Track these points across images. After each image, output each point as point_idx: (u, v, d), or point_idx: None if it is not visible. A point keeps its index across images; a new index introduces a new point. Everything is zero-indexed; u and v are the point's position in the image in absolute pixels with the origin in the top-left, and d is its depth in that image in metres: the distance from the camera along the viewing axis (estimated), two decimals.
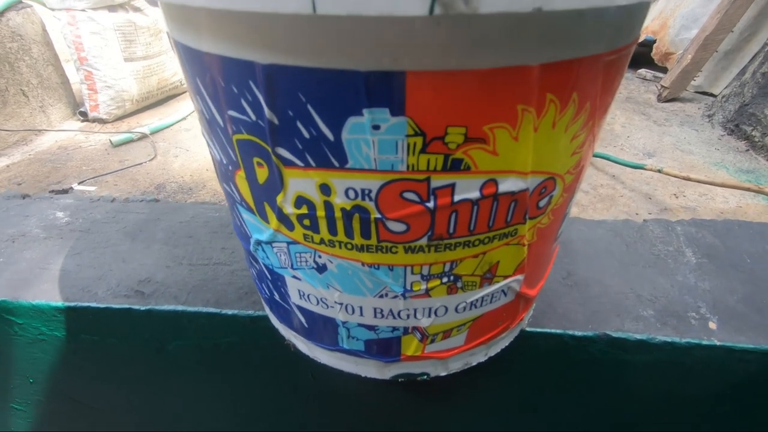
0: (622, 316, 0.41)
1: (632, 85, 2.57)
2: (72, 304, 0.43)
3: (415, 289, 0.28)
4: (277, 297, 0.34)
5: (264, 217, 0.28)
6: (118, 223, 0.55)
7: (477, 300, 0.30)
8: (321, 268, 0.28)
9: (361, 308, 0.30)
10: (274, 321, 0.39)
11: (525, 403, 0.49)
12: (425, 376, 0.35)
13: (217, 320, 0.43)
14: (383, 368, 0.34)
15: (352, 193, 0.23)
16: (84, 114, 2.33)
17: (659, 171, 1.52)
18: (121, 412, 0.56)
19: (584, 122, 0.23)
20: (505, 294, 0.31)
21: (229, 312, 0.42)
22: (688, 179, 1.27)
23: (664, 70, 2.42)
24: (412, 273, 0.27)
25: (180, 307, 0.43)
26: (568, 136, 0.23)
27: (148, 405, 0.54)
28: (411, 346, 0.32)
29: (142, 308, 0.43)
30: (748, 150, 1.81)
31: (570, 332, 0.39)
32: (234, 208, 0.31)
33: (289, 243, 0.28)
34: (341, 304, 0.30)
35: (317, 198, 0.24)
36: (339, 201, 0.24)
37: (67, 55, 2.11)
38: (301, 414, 0.54)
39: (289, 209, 0.26)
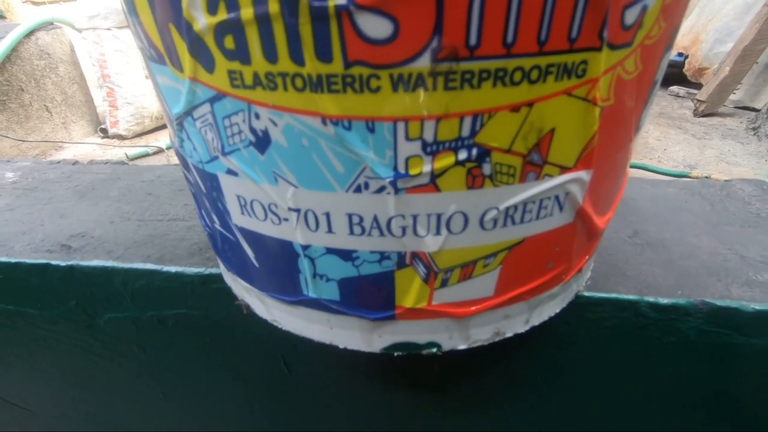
0: (726, 281, 0.28)
1: (664, 101, 2.44)
2: None
3: (412, 172, 0.17)
4: (217, 223, 0.23)
5: (174, 59, 0.18)
6: (71, 183, 0.46)
7: (516, 206, 0.19)
8: (262, 142, 0.18)
9: (328, 216, 0.19)
10: (225, 273, 0.28)
11: (575, 405, 0.35)
12: (434, 349, 0.23)
13: (157, 281, 0.32)
14: (370, 332, 0.23)
15: None
16: (104, 131, 2.35)
17: (707, 178, 1.37)
18: (49, 414, 0.44)
19: None
20: (561, 205, 0.20)
21: (172, 269, 0.31)
22: None
23: (698, 86, 2.29)
24: (407, 138, 0.16)
25: (109, 263, 0.32)
26: None
27: (79, 404, 0.42)
28: (411, 289, 0.21)
29: (63, 264, 0.32)
30: None
31: (650, 299, 0.27)
32: (153, 77, 0.21)
33: (213, 101, 0.18)
34: (298, 210, 0.19)
35: None
36: None
37: (93, 77, 2.15)
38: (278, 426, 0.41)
39: (201, 19, 0.15)
